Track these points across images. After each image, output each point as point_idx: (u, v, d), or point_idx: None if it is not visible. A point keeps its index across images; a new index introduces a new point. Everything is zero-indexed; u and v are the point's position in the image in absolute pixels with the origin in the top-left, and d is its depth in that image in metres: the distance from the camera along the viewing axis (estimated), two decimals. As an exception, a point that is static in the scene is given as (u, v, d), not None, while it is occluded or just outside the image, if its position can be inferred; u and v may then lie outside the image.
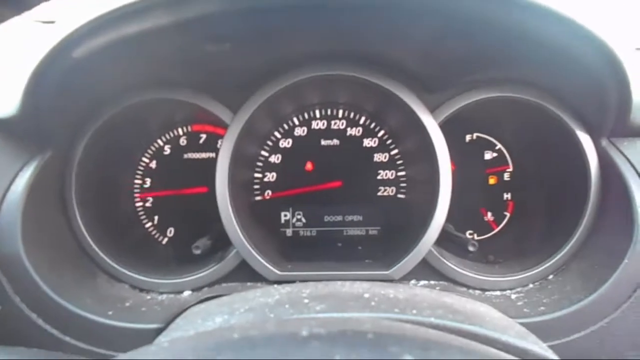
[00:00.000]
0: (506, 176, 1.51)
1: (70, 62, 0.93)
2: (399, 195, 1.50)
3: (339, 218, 1.50)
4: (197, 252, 1.19)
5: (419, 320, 0.69)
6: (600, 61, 0.99)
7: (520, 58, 1.07)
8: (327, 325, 0.54)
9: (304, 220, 1.51)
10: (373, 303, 0.75)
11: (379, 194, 1.50)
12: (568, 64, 1.04)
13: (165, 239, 1.50)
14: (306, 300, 0.77)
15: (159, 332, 0.98)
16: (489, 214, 1.51)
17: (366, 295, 0.79)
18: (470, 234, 1.51)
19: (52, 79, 0.95)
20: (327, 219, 1.51)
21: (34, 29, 1.36)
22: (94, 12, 0.88)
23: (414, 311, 0.72)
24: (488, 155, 1.51)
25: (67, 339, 1.00)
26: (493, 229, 1.52)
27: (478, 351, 0.53)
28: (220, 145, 1.22)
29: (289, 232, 1.51)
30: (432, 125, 1.19)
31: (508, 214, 1.51)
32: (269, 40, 1.01)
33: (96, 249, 1.19)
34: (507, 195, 1.51)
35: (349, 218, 1.50)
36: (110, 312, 1.04)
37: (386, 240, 1.46)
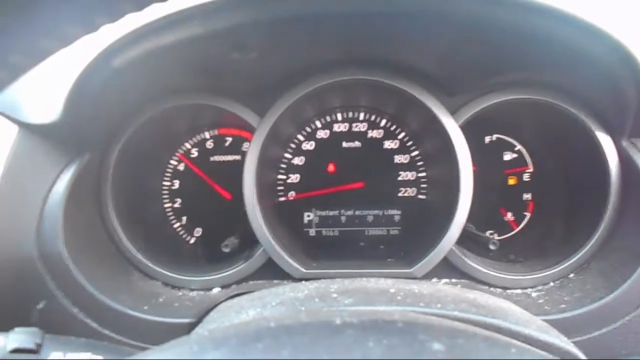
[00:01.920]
0: (526, 177, 1.52)
1: (110, 71, 0.99)
2: (420, 196, 1.53)
3: (361, 218, 1.54)
4: (227, 250, 1.24)
5: (444, 314, 0.72)
6: (617, 62, 1.01)
7: (538, 61, 1.09)
8: (359, 316, 0.57)
9: (326, 220, 1.55)
10: (399, 297, 0.79)
11: (400, 194, 1.53)
12: (586, 65, 1.06)
13: (193, 239, 1.55)
14: (335, 295, 0.81)
15: (191, 326, 1.04)
16: (509, 214, 1.53)
17: (392, 290, 0.82)
18: (490, 234, 1.53)
19: (92, 87, 1.01)
20: (349, 219, 1.54)
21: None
22: (134, 22, 0.94)
23: (439, 305, 0.75)
24: (507, 156, 1.53)
25: (106, 332, 1.06)
26: (513, 229, 1.53)
27: (502, 341, 0.56)
28: (247, 148, 1.27)
29: (312, 232, 1.55)
30: (453, 127, 1.22)
31: (528, 214, 1.53)
32: (292, 48, 1.06)
33: (131, 247, 1.25)
34: (527, 196, 1.52)
35: (371, 218, 1.54)
36: (145, 307, 1.10)
37: (407, 239, 1.49)
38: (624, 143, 1.16)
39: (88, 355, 0.71)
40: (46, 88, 1.09)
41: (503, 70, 1.16)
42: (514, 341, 0.55)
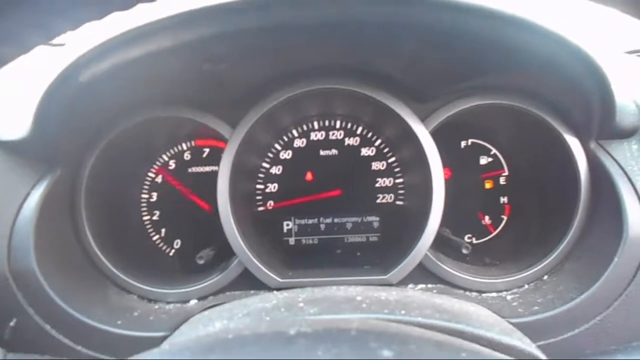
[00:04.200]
0: (502, 180, 1.54)
1: (78, 85, 0.99)
2: (398, 202, 1.54)
3: (340, 226, 1.55)
4: (201, 262, 1.24)
5: (406, 320, 0.72)
6: (581, 69, 1.03)
7: (504, 67, 1.11)
8: (314, 325, 0.58)
9: (305, 228, 1.55)
10: (364, 305, 0.79)
11: (378, 201, 1.54)
12: (551, 71, 1.08)
13: (172, 251, 1.55)
14: (301, 304, 0.81)
15: (165, 339, 1.03)
16: (486, 217, 1.54)
17: (358, 298, 0.83)
18: (468, 238, 1.54)
19: (60, 102, 1.01)
20: (328, 227, 1.55)
21: (44, 51, 1.44)
22: (100, 36, 0.94)
23: (403, 311, 0.76)
24: (484, 161, 1.55)
25: (79, 347, 1.05)
26: (491, 232, 1.55)
27: (455, 345, 0.56)
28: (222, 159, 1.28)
29: (291, 240, 1.55)
30: (423, 134, 1.23)
31: (505, 217, 1.54)
32: (263, 59, 1.07)
33: (106, 262, 1.24)
34: (503, 199, 1.54)
35: (350, 225, 1.55)
36: (119, 322, 1.09)
37: (385, 246, 1.49)
38: (592, 145, 1.17)
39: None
40: (15, 105, 1.09)
41: (471, 76, 1.17)
42: (467, 345, 0.55)
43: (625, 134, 1.15)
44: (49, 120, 1.03)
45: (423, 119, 1.25)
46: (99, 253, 1.24)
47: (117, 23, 0.95)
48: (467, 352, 0.53)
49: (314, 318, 0.73)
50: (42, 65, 1.06)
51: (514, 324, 1.03)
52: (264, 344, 0.54)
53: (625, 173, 1.11)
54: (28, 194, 1.09)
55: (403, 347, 0.52)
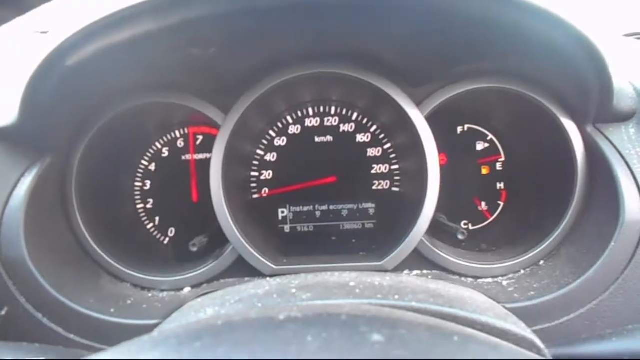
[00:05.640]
0: (498, 166, 1.53)
1: (64, 70, 0.97)
2: (394, 189, 1.52)
3: (335, 213, 1.54)
4: (194, 249, 1.23)
5: (400, 305, 0.71)
6: (579, 51, 1.00)
7: (500, 50, 1.09)
8: (305, 310, 0.57)
9: (301, 216, 1.54)
10: (357, 290, 0.78)
11: (374, 187, 1.53)
12: (548, 54, 1.06)
13: (167, 239, 1.54)
14: (294, 290, 0.80)
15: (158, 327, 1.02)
16: (483, 203, 1.53)
17: (352, 284, 0.82)
18: (465, 224, 1.54)
19: (47, 87, 0.99)
20: (323, 214, 1.54)
21: (30, 39, 1.41)
22: (84, 20, 0.92)
23: (396, 296, 0.75)
24: (480, 146, 1.53)
25: (72, 336, 1.04)
26: (487, 218, 1.54)
27: (447, 329, 0.55)
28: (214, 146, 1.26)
29: (286, 228, 1.54)
30: (418, 118, 1.22)
31: (502, 203, 1.53)
32: (252, 43, 1.04)
33: (98, 250, 1.23)
34: (500, 185, 1.53)
35: (345, 212, 1.53)
36: (112, 310, 1.08)
37: (381, 232, 1.48)
38: (589, 129, 1.16)
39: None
40: (2, 92, 1.07)
41: (465, 60, 1.15)
42: (459, 329, 0.55)
43: (622, 118, 1.13)
44: (37, 106, 1.01)
45: (418, 104, 1.23)
46: (91, 241, 1.22)
47: (104, 7, 0.93)
48: (459, 336, 0.52)
49: (304, 303, 0.72)
50: (28, 53, 1.04)
51: (509, 309, 1.02)
52: (253, 330, 0.53)
53: (623, 157, 1.10)
54: (17, 182, 1.08)
55: (393, 331, 0.51)
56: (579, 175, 1.18)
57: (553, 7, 0.94)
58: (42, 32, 1.35)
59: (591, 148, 1.16)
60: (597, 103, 1.11)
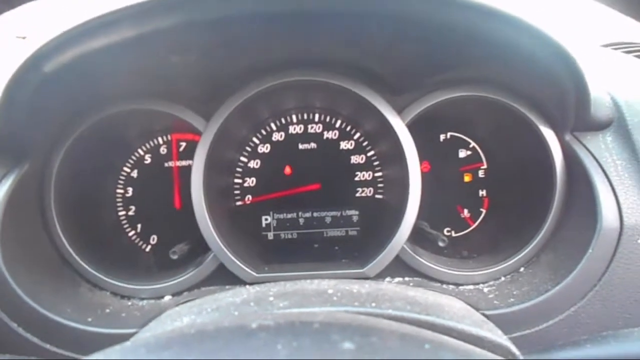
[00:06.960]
0: (481, 173, 1.54)
1: (42, 76, 0.96)
2: (377, 196, 1.53)
3: (319, 220, 1.53)
4: (174, 257, 1.22)
5: (376, 312, 0.71)
6: (556, 61, 1.02)
7: (479, 59, 1.10)
8: (277, 318, 0.56)
9: (284, 223, 1.53)
10: (335, 298, 0.78)
11: (357, 194, 1.53)
12: (527, 64, 1.08)
13: (149, 247, 1.52)
14: (271, 298, 0.80)
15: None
16: (465, 210, 1.54)
17: (330, 291, 0.82)
18: (447, 231, 1.54)
19: (24, 93, 0.98)
20: (307, 221, 1.53)
21: (10, 44, 1.40)
22: (62, 27, 0.91)
23: (373, 304, 0.75)
24: (462, 154, 1.54)
25: (48, 346, 1.03)
26: (470, 225, 1.54)
27: (419, 336, 0.55)
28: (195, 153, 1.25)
29: (270, 235, 1.54)
30: (399, 126, 1.22)
31: (484, 211, 1.54)
32: (232, 50, 1.05)
33: (77, 257, 1.21)
34: (482, 192, 1.54)
35: (329, 219, 1.53)
36: (89, 319, 1.07)
37: (364, 240, 1.49)
38: (567, 137, 1.17)
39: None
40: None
41: (445, 69, 1.17)
42: (431, 336, 0.55)
43: (600, 126, 1.15)
44: (13, 112, 1.00)
45: (399, 111, 1.24)
46: (69, 248, 1.21)
47: (82, 13, 0.92)
48: (431, 344, 0.52)
49: (280, 312, 0.72)
50: (6, 58, 1.03)
51: (490, 316, 1.03)
52: (224, 339, 0.52)
53: (600, 165, 1.12)
54: (-6, 189, 1.06)
55: (365, 339, 0.51)
56: (557, 183, 1.19)
57: (531, 18, 0.96)
58: (21, 38, 1.34)
59: (569, 156, 1.18)
60: (575, 112, 1.13)
